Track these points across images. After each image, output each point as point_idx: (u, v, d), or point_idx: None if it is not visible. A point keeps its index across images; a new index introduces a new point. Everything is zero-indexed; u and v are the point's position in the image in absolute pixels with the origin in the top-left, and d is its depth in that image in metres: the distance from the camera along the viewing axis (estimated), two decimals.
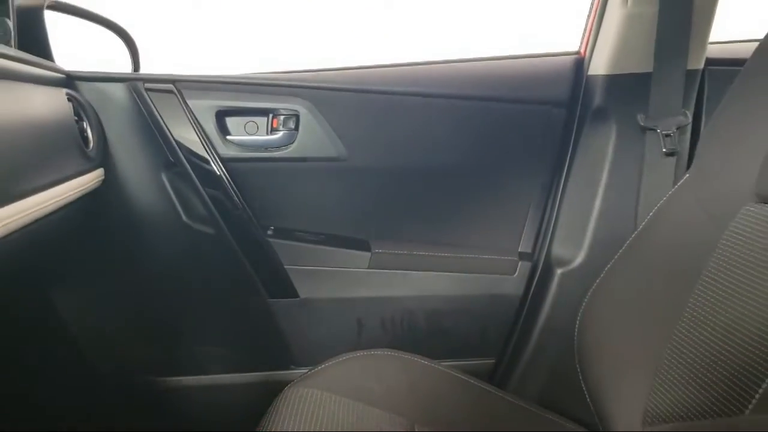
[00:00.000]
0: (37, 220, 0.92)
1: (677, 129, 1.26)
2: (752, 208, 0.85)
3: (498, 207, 1.42)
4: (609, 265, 1.12)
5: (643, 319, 1.00)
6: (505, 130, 1.37)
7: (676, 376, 0.80)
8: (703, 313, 0.82)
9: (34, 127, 1.00)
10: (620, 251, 1.12)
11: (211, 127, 1.28)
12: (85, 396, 1.37)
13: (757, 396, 0.63)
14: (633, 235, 1.11)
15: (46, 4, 1.32)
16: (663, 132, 1.26)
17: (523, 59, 1.41)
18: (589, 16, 1.36)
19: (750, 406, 0.63)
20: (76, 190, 1.09)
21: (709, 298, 0.83)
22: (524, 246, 1.44)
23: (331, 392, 1.07)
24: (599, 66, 1.31)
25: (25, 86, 1.04)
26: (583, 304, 1.12)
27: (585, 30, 1.36)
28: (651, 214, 1.11)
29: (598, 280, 1.13)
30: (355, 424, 1.00)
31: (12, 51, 1.08)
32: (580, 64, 1.37)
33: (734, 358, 0.72)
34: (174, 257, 1.32)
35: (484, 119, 1.36)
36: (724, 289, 0.82)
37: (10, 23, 1.21)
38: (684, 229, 1.03)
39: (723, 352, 0.73)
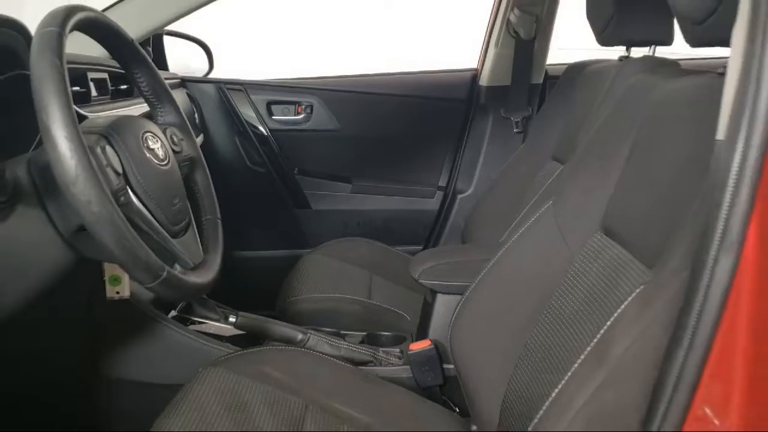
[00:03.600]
0: None
1: (523, 118, 2.06)
2: (550, 163, 1.63)
3: (426, 159, 2.18)
4: (486, 191, 1.91)
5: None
6: (430, 115, 2.13)
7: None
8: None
9: (186, 113, 1.79)
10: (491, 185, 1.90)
11: (263, 110, 2.06)
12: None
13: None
14: (497, 175, 1.90)
15: (164, 32, 2.09)
16: (514, 120, 2.07)
17: (444, 73, 2.19)
18: (481, 48, 2.15)
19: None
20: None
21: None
22: (441, 182, 2.19)
23: (327, 257, 1.81)
24: (484, 80, 2.10)
25: (174, 91, 1.84)
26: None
27: (479, 56, 2.16)
28: (504, 166, 1.92)
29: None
30: (340, 269, 1.74)
31: (165, 73, 1.87)
32: (475, 76, 2.14)
33: None
34: (241, 184, 2.08)
35: (419, 108, 2.12)
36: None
37: (150, 49, 1.98)
38: (516, 173, 1.81)
39: None
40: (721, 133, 0.55)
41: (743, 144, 0.51)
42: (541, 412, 0.75)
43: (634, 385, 0.62)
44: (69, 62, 1.00)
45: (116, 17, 1.66)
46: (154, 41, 2.01)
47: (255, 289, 1.84)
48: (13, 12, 1.02)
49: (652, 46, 1.45)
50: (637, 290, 0.73)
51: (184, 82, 2.01)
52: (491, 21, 2.06)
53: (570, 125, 1.57)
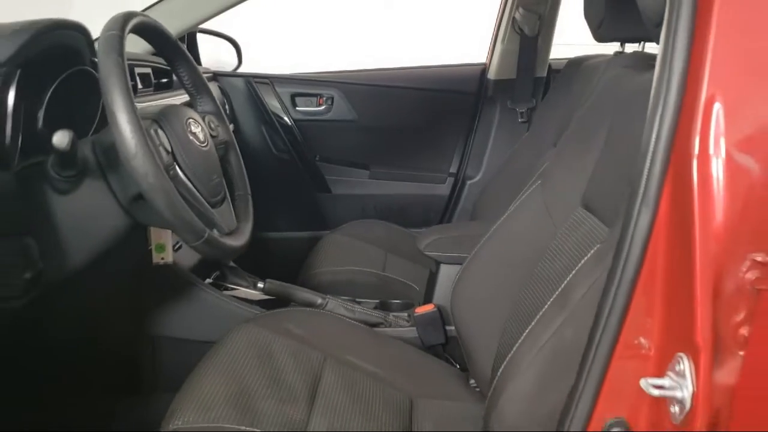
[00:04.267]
0: None
1: (528, 109, 2.19)
2: (550, 150, 1.74)
3: (437, 147, 2.30)
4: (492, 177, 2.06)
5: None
6: (442, 107, 2.26)
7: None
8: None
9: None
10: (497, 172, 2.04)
11: (288, 102, 2.21)
12: None
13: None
14: (503, 162, 2.04)
15: (198, 30, 2.24)
16: (519, 110, 2.19)
17: (455, 67, 2.32)
18: (490, 44, 2.27)
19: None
20: None
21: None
22: (452, 168, 2.31)
23: (346, 236, 1.97)
24: (492, 73, 2.23)
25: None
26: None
27: (488, 52, 2.29)
28: (509, 153, 2.05)
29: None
30: (357, 247, 1.89)
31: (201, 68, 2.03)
32: (484, 70, 2.26)
33: None
34: (267, 170, 2.22)
35: (431, 100, 2.25)
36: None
37: (184, 46, 2.14)
38: (520, 159, 1.94)
39: None
40: (647, 115, 0.69)
41: (658, 123, 0.65)
42: (513, 349, 0.90)
43: (587, 323, 0.76)
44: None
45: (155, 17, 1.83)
46: (189, 39, 2.16)
47: (280, 267, 1.96)
48: (63, 11, 1.18)
49: (642, 42, 1.56)
50: (596, 247, 0.86)
51: (216, 76, 2.16)
52: (498, 19, 2.18)
53: (566, 115, 1.69)
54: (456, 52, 2.51)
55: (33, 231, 0.94)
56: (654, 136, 0.65)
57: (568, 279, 0.87)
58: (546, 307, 0.88)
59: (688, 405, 0.62)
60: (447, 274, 1.46)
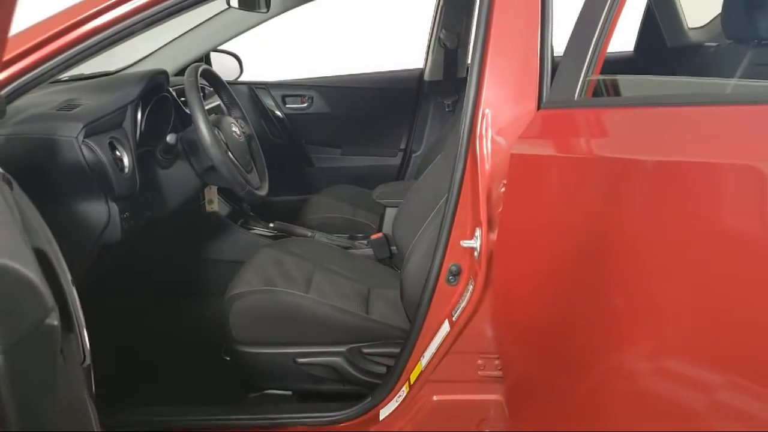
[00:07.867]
0: None
1: (452, 101, 2.87)
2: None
3: (390, 130, 2.93)
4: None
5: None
6: (393, 100, 2.89)
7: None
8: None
9: None
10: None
11: (280, 101, 2.84)
12: None
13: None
14: (436, 140, 2.73)
15: (211, 51, 2.88)
16: (446, 103, 2.87)
17: (401, 71, 2.97)
18: (424, 55, 2.94)
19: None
20: None
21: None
22: (401, 145, 2.94)
23: (326, 197, 2.62)
24: (426, 76, 2.87)
25: None
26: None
27: (423, 60, 2.95)
28: (440, 134, 2.73)
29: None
30: (334, 204, 2.60)
31: None
32: (421, 73, 2.90)
33: None
34: (267, 151, 2.74)
35: (385, 96, 2.88)
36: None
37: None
38: (447, 137, 2.64)
39: None
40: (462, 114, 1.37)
41: (464, 118, 1.33)
42: (413, 242, 1.60)
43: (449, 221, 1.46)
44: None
45: (176, 48, 2.47)
46: (205, 57, 2.80)
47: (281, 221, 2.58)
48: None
49: None
50: None
51: None
52: (429, 36, 2.85)
53: None
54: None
55: (148, 189, 1.61)
56: (462, 125, 1.34)
57: (441, 201, 1.57)
58: (430, 217, 1.59)
59: (479, 250, 1.32)
60: (390, 213, 2.15)
